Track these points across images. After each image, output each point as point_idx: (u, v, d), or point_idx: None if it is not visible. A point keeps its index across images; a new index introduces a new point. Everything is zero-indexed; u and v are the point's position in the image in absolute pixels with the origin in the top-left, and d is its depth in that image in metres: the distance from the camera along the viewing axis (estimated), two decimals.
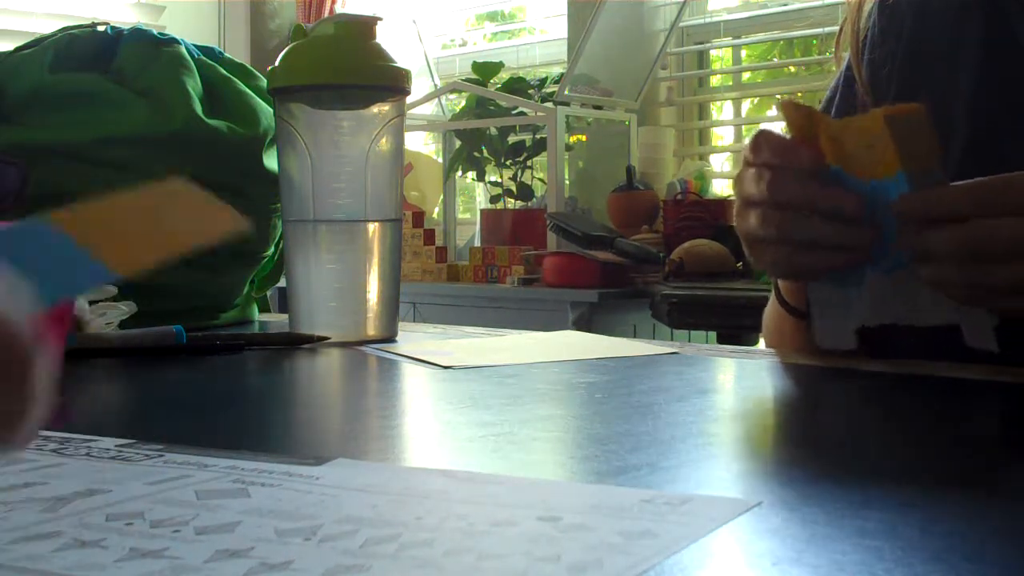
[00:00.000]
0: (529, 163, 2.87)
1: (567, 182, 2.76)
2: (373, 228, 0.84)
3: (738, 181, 0.68)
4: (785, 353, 0.78)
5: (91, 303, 0.79)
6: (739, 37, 2.96)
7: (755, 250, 0.69)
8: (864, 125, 0.60)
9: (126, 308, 0.81)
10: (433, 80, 3.25)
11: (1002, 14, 0.75)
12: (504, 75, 2.96)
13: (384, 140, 0.84)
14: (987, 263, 0.59)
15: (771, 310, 0.85)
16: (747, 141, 0.68)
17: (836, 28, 0.86)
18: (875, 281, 0.66)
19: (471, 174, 3.00)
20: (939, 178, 0.60)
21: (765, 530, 0.32)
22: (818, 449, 0.48)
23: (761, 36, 2.91)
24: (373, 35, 0.84)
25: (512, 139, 2.86)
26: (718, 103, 3.03)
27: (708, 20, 2.95)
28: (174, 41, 0.96)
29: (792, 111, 0.64)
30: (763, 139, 0.66)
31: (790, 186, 0.64)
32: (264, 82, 0.96)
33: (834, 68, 0.86)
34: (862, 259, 0.64)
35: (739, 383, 0.67)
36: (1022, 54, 0.74)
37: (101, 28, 0.97)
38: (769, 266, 0.69)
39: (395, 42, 3.14)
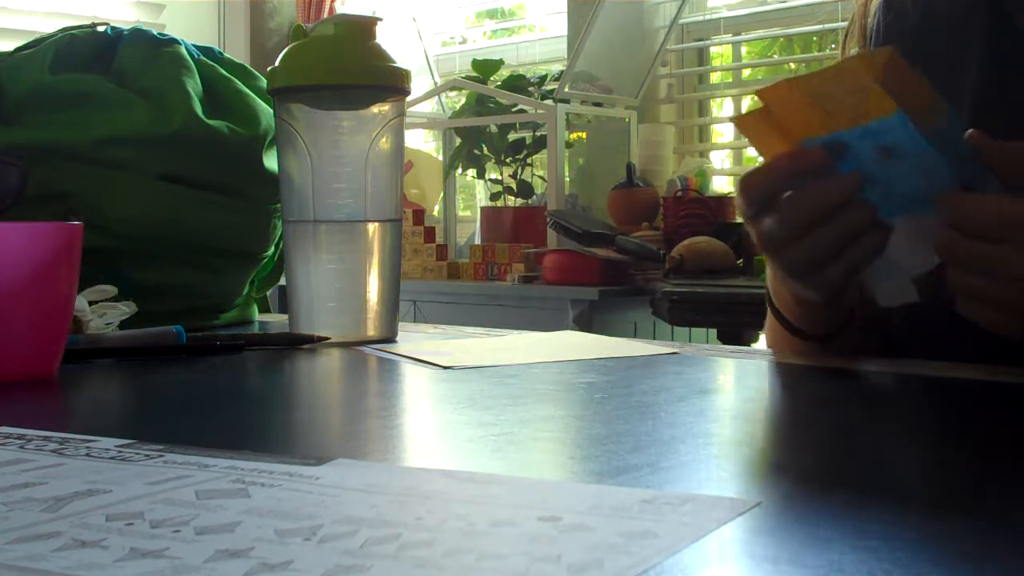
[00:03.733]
0: (529, 160, 2.87)
1: (567, 179, 2.76)
2: (373, 228, 0.84)
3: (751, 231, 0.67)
4: (784, 354, 0.78)
5: (91, 303, 0.79)
6: (739, 34, 2.95)
7: (771, 259, 0.68)
8: (848, 68, 0.58)
9: (126, 308, 0.81)
10: (433, 78, 3.25)
11: (1006, 14, 0.75)
12: (504, 72, 2.96)
13: (384, 140, 0.84)
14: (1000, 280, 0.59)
15: (771, 325, 0.84)
16: (737, 189, 0.66)
17: (836, 25, 0.86)
18: (900, 229, 0.63)
19: (471, 172, 3.00)
20: (946, 118, 0.58)
21: (765, 530, 0.32)
22: (818, 449, 0.48)
23: (761, 33, 2.91)
24: (373, 35, 0.84)
25: (512, 136, 2.86)
26: (718, 100, 3.03)
27: (708, 17, 2.95)
28: (174, 41, 0.96)
29: (753, 121, 0.62)
30: (749, 183, 0.64)
31: (800, 194, 0.63)
32: (264, 82, 0.96)
33: None
34: (875, 247, 0.63)
35: (739, 383, 0.67)
36: None
37: (101, 28, 0.97)
38: (791, 270, 0.67)
39: (395, 40, 3.14)
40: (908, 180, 0.60)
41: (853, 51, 0.84)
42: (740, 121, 0.63)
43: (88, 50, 0.95)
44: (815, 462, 0.45)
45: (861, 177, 0.61)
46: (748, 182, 0.64)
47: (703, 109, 3.01)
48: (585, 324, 2.25)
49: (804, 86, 0.59)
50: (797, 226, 0.63)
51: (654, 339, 2.29)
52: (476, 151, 2.91)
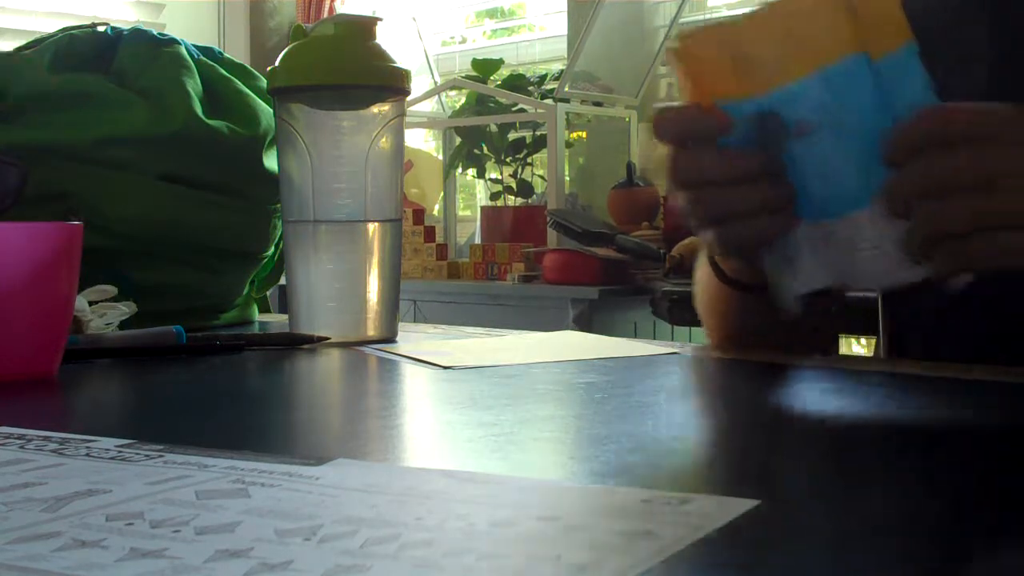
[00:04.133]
0: (529, 160, 2.87)
1: (567, 179, 2.76)
2: (373, 228, 0.84)
3: (659, 164, 0.64)
4: (766, 353, 0.78)
5: (91, 303, 0.79)
6: None
7: (696, 231, 0.65)
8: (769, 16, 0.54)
9: (126, 308, 0.81)
10: (433, 77, 3.25)
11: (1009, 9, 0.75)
12: (504, 72, 2.96)
13: (384, 140, 0.84)
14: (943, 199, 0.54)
15: (706, 281, 0.80)
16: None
17: None
18: (807, 238, 0.59)
19: (471, 171, 3.00)
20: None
21: (765, 530, 0.32)
22: (818, 449, 0.48)
23: None
24: (373, 35, 0.84)
25: (512, 136, 2.86)
26: None
27: (708, 16, 2.94)
28: (174, 41, 0.96)
29: (687, 40, 0.58)
30: (661, 118, 0.61)
31: (692, 163, 0.60)
32: (264, 82, 0.96)
33: None
34: (789, 220, 0.59)
35: (739, 383, 0.67)
36: None
37: (101, 28, 0.97)
38: (712, 246, 0.65)
39: (395, 39, 3.14)
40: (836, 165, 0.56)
41: None
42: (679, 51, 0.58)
43: (88, 50, 0.95)
44: (815, 462, 0.45)
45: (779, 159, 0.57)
46: (661, 115, 0.61)
47: None
48: (585, 324, 2.25)
49: (724, 39, 0.56)
50: (691, 186, 0.61)
51: (654, 338, 2.29)
52: (476, 150, 2.91)
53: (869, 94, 0.54)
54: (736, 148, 0.58)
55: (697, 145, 0.59)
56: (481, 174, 2.99)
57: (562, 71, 2.74)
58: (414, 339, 0.85)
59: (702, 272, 0.79)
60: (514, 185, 2.88)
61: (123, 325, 0.81)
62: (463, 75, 3.06)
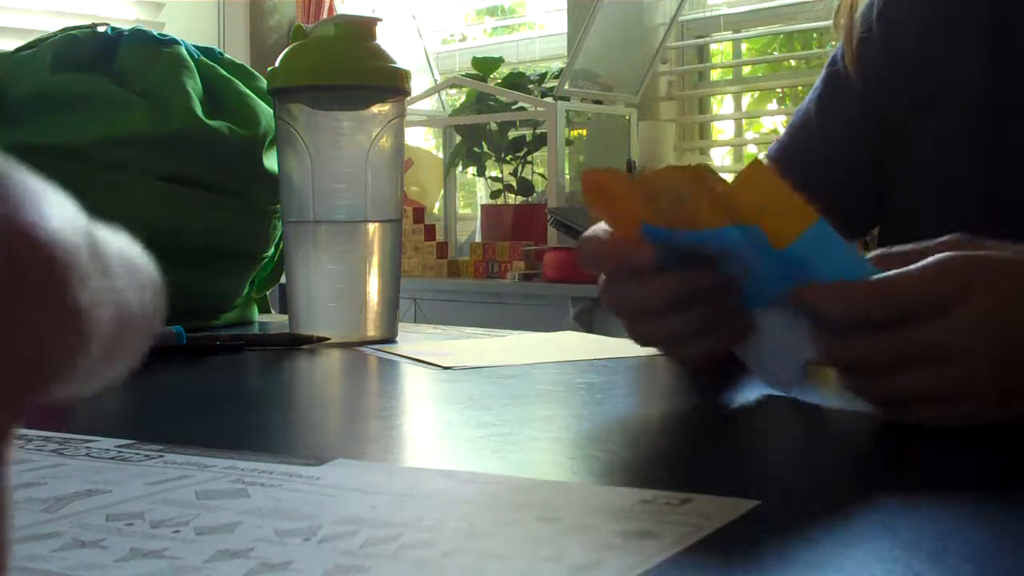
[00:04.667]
0: (529, 158, 2.87)
1: (567, 177, 2.76)
2: (373, 229, 0.84)
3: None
4: None
5: None
6: (739, 31, 2.95)
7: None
8: (673, 180, 0.51)
9: None
10: (433, 75, 3.25)
11: (1007, 19, 0.75)
12: (504, 70, 2.96)
13: (384, 140, 0.84)
14: (864, 376, 0.50)
15: None
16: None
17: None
18: (771, 318, 0.56)
19: (471, 169, 3.00)
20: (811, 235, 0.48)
21: (765, 530, 0.32)
22: (818, 449, 0.48)
23: (761, 30, 2.91)
24: (373, 36, 0.84)
25: (512, 134, 2.86)
26: (718, 97, 3.03)
27: (708, 14, 2.94)
28: (174, 42, 0.96)
29: (595, 179, 0.55)
30: (585, 250, 0.58)
31: (623, 295, 0.58)
32: (264, 83, 0.96)
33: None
34: (736, 331, 0.56)
35: (739, 384, 0.67)
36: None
37: (101, 29, 0.97)
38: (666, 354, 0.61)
39: (395, 38, 3.14)
40: (763, 280, 0.53)
41: (834, 45, 0.84)
42: (585, 176, 0.55)
43: (88, 50, 0.95)
44: (815, 462, 0.45)
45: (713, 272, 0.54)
46: (583, 250, 0.58)
47: (703, 106, 3.01)
48: (586, 321, 2.25)
49: (637, 183, 0.54)
50: (632, 316, 0.58)
51: None
52: (476, 149, 2.91)
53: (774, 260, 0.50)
54: (665, 271, 0.54)
55: (622, 277, 0.57)
56: (481, 172, 2.99)
57: (562, 69, 2.74)
58: (414, 339, 0.85)
59: None
60: (514, 183, 2.88)
61: None
62: (463, 73, 3.05)
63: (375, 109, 0.84)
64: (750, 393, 0.60)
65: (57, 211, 0.16)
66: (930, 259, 0.48)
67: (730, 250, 0.51)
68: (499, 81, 2.86)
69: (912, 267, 0.48)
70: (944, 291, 0.47)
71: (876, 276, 0.48)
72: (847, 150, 0.84)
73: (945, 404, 0.47)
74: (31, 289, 0.16)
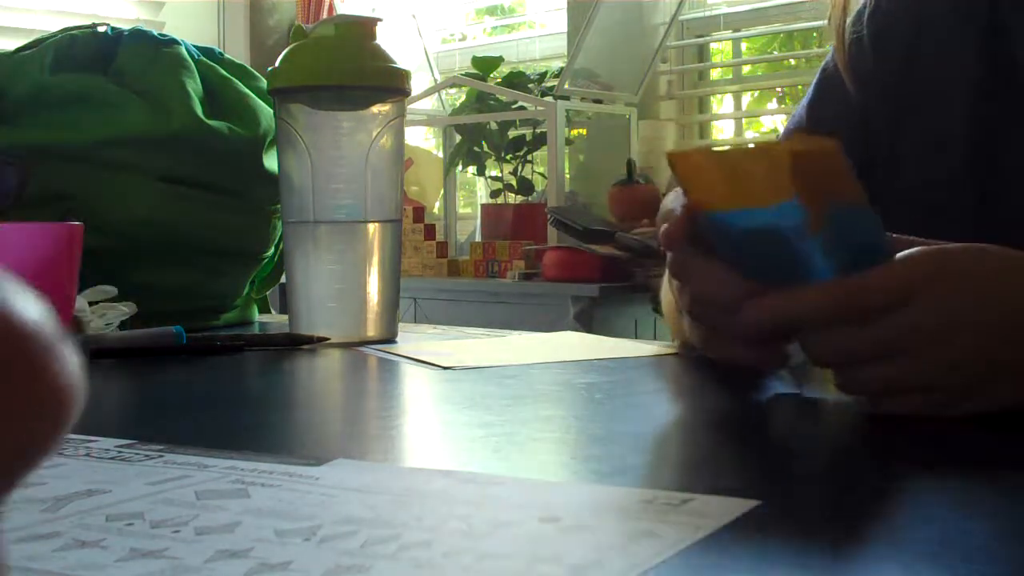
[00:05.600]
0: (529, 157, 2.87)
1: (567, 176, 2.76)
2: (373, 229, 0.84)
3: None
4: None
5: (91, 303, 0.79)
6: (739, 30, 2.95)
7: (685, 320, 0.60)
8: (765, 149, 0.52)
9: (126, 308, 0.81)
10: (433, 75, 3.25)
11: (1001, 24, 0.75)
12: (504, 69, 2.96)
13: (384, 140, 0.84)
14: (845, 368, 0.50)
15: (667, 288, 0.75)
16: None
17: None
18: None
19: (471, 169, 3.00)
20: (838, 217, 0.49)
21: (765, 530, 0.32)
22: (818, 449, 0.48)
23: (761, 29, 2.91)
24: (373, 36, 0.84)
25: (512, 133, 2.86)
26: (718, 96, 3.03)
27: (708, 13, 2.94)
28: (174, 42, 0.96)
29: (679, 161, 0.55)
30: (660, 212, 0.57)
31: (692, 271, 0.55)
32: (264, 83, 0.96)
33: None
34: (780, 358, 0.55)
35: (739, 384, 0.67)
36: (1018, 66, 0.74)
37: (101, 29, 0.97)
38: (693, 340, 0.60)
39: (395, 37, 3.14)
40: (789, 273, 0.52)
41: (826, 47, 0.83)
42: (672, 157, 0.55)
43: (88, 50, 0.95)
44: (815, 462, 0.45)
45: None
46: (666, 236, 0.56)
47: (703, 106, 3.01)
48: (586, 321, 2.25)
49: (718, 158, 0.54)
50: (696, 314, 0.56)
51: (655, 335, 2.29)
52: (476, 148, 2.90)
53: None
54: (739, 267, 0.53)
55: (690, 251, 0.55)
56: (481, 172, 2.99)
57: (562, 68, 2.74)
58: (414, 339, 0.85)
59: (666, 279, 0.77)
60: (514, 183, 2.88)
61: (123, 325, 0.81)
62: (463, 73, 3.05)
63: (375, 109, 0.84)
64: (751, 393, 0.60)
65: (24, 298, 0.17)
66: (899, 254, 0.49)
67: (784, 231, 0.50)
68: (499, 80, 2.86)
69: (869, 271, 0.49)
70: (908, 282, 0.48)
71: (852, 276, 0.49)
72: None
73: (911, 394, 0.49)
74: (16, 374, 0.16)
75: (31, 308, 0.17)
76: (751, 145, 0.54)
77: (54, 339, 0.17)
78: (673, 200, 0.59)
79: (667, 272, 0.60)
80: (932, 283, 0.48)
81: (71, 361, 0.17)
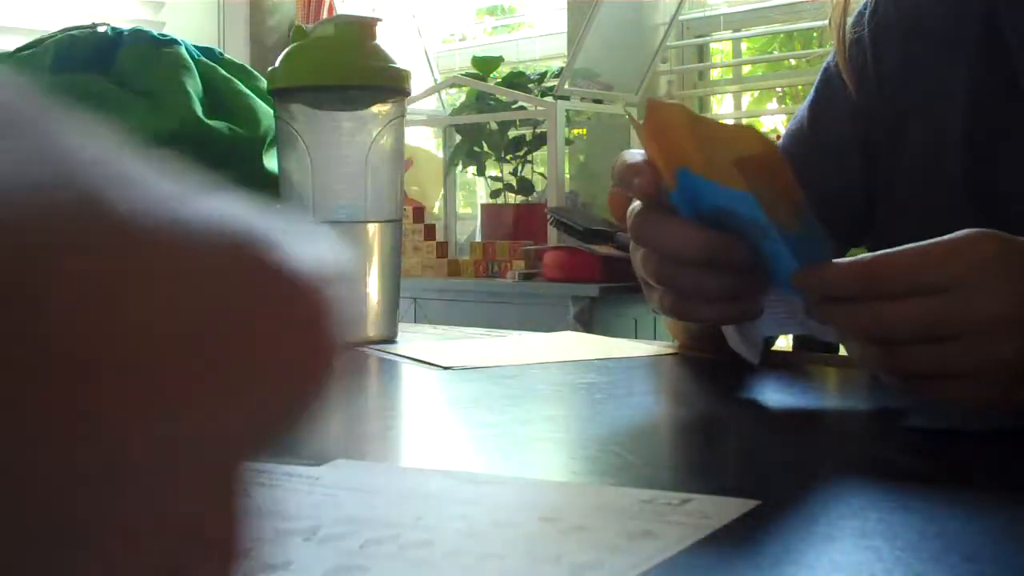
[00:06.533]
0: (529, 157, 2.87)
1: (567, 176, 2.76)
2: (373, 229, 0.84)
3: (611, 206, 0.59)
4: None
5: None
6: (739, 30, 2.95)
7: (645, 290, 0.61)
8: (735, 135, 0.51)
9: None
10: (433, 75, 3.25)
11: (997, 27, 0.75)
12: (504, 69, 2.95)
13: (384, 140, 0.84)
14: (889, 346, 0.49)
15: None
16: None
17: None
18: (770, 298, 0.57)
19: (471, 169, 3.00)
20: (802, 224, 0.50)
21: (765, 530, 0.32)
22: (818, 449, 0.48)
23: (761, 29, 2.91)
24: (373, 36, 0.84)
25: (512, 133, 2.86)
26: (718, 96, 3.03)
27: (708, 13, 2.94)
28: (174, 42, 0.96)
29: (656, 112, 0.55)
30: (620, 166, 0.57)
31: (659, 229, 0.55)
32: (264, 83, 0.96)
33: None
34: (754, 309, 0.56)
35: (739, 384, 0.67)
36: (1015, 68, 0.74)
37: (101, 29, 0.97)
38: (659, 309, 0.59)
39: (395, 38, 3.13)
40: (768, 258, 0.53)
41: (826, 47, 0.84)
42: (650, 105, 0.56)
43: (88, 50, 0.95)
44: (815, 462, 0.45)
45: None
46: (617, 169, 0.57)
47: (703, 106, 3.01)
48: (586, 321, 2.25)
49: (696, 121, 0.53)
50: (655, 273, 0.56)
51: (655, 335, 2.29)
52: (476, 148, 2.90)
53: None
54: (699, 222, 0.53)
55: (657, 210, 0.55)
56: (481, 172, 2.99)
57: (562, 68, 2.74)
58: (414, 339, 0.85)
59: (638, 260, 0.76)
60: (514, 183, 2.88)
61: None
62: (463, 72, 3.05)
63: (375, 109, 0.84)
64: (750, 394, 0.60)
65: (306, 247, 0.17)
66: (950, 236, 0.49)
67: (747, 218, 0.50)
68: (499, 80, 2.86)
69: (930, 242, 0.49)
70: (966, 264, 0.48)
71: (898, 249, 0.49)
72: (839, 160, 0.83)
73: (966, 380, 0.47)
74: (296, 325, 0.16)
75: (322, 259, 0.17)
76: (730, 122, 0.52)
77: (333, 297, 0.17)
78: (630, 156, 0.58)
79: (631, 244, 0.58)
80: (992, 269, 0.48)
81: (341, 319, 0.17)
